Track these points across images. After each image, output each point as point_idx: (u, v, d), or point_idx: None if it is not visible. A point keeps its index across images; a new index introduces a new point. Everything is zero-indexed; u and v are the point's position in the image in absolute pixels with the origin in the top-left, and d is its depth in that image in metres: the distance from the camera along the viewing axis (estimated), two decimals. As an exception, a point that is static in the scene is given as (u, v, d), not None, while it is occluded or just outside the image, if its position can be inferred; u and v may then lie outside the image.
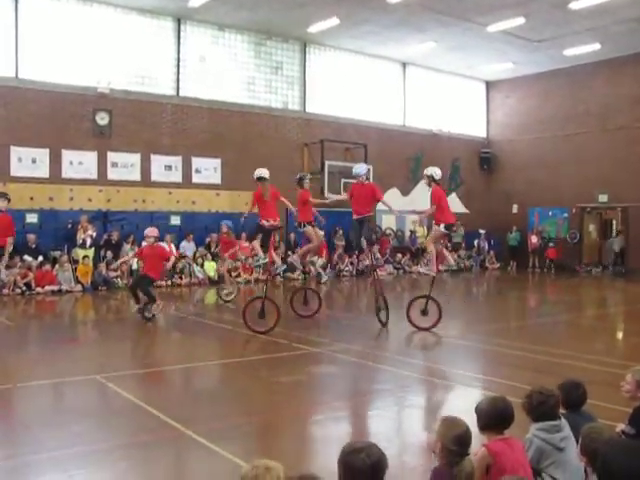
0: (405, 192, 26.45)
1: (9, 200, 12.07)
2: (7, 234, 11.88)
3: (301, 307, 13.13)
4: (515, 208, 28.31)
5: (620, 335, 12.89)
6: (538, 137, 27.51)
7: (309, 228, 12.46)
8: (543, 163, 27.12)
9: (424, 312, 11.54)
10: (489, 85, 29.65)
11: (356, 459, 2.87)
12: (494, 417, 3.78)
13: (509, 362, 9.10)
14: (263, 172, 11.59)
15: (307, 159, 23.00)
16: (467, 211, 28.44)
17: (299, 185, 12.39)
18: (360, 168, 12.16)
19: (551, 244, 26.62)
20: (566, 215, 26.72)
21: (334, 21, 20.92)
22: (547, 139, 27.17)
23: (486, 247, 27.56)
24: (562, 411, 4.33)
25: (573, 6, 19.18)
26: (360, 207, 11.83)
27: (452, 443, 3.41)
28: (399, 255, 24.80)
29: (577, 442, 3.74)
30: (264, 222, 11.48)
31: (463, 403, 7.02)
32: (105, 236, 18.81)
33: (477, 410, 3.84)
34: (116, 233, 18.92)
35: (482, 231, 27.51)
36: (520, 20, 20.43)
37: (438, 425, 3.52)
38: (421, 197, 27.03)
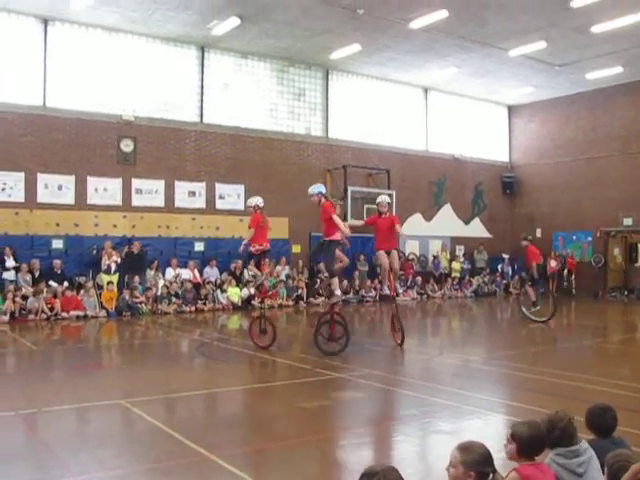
0: (428, 217, 26.47)
1: None
2: None
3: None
4: (539, 232, 28.09)
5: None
6: (561, 161, 27.40)
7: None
8: (566, 187, 27.00)
9: (263, 331, 12.31)
10: (511, 109, 29.64)
11: None
12: (536, 442, 3.70)
13: (535, 387, 8.98)
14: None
15: (330, 185, 23.05)
16: (490, 236, 28.36)
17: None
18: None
19: (568, 254, 26.44)
20: (590, 239, 26.48)
21: (356, 47, 21.12)
22: (570, 163, 27.06)
23: (510, 272, 27.37)
24: (591, 437, 4.26)
25: (595, 30, 19.18)
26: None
27: (482, 465, 3.30)
28: (422, 280, 24.71)
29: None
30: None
31: (490, 429, 6.97)
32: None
33: (517, 435, 3.70)
34: (140, 259, 19.02)
35: (506, 256, 27.37)
36: (541, 44, 20.48)
37: (458, 455, 3.35)
38: (444, 222, 27.24)
